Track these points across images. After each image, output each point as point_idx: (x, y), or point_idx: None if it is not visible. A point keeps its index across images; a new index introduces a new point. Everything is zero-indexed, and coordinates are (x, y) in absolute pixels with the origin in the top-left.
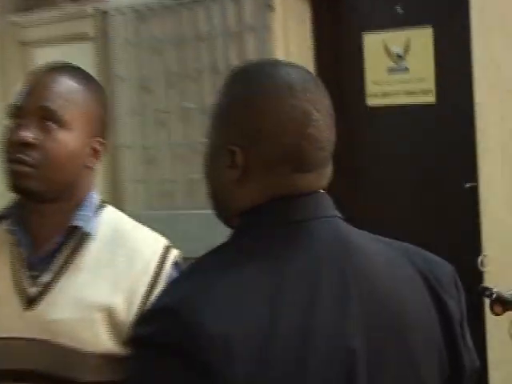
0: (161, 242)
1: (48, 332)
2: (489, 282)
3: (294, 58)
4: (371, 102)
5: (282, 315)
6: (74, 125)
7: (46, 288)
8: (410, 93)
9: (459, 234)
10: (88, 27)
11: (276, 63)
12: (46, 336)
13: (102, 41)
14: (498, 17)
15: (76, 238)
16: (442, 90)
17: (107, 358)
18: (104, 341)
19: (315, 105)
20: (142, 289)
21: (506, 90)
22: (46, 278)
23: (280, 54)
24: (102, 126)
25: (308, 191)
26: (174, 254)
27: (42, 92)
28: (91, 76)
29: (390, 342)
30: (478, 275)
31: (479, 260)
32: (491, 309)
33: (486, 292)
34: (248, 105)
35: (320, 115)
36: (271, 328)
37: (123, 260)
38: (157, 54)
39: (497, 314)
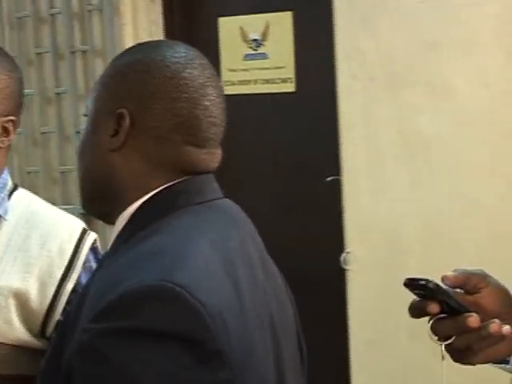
0: (78, 224)
1: None
2: (352, 281)
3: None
4: (227, 90)
5: (242, 289)
6: None
7: None
8: (268, 81)
9: (321, 230)
10: None
11: (173, 41)
12: None
13: None
14: (362, 2)
15: None
16: (302, 79)
17: (19, 349)
18: (16, 328)
19: (212, 82)
20: (58, 273)
21: (369, 78)
22: None
23: (128, 39)
24: (14, 103)
25: (204, 170)
26: (92, 237)
27: None
28: (2, 50)
29: (279, 301)
30: (341, 273)
31: (342, 257)
32: (423, 308)
33: (419, 284)
34: (144, 68)
35: (216, 93)
36: (240, 301)
37: (36, 243)
38: None
39: (431, 314)
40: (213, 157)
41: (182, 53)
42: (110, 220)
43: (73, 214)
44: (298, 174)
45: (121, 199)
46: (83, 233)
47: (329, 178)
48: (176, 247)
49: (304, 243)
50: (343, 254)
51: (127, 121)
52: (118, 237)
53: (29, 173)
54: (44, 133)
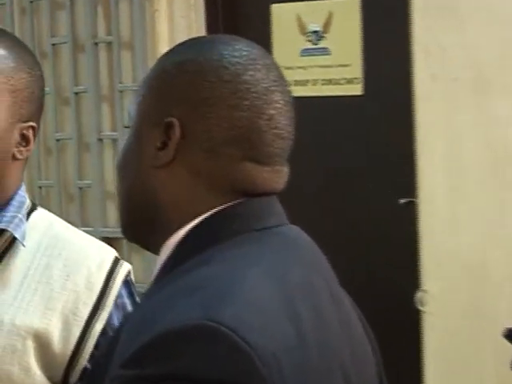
0: (108, 252)
1: None
2: (429, 325)
3: (180, 34)
4: None
5: (304, 330)
6: None
7: None
8: (330, 82)
9: (391, 263)
10: None
11: (232, 36)
12: None
13: None
14: None
15: (0, 244)
16: (371, 79)
17: None
18: (34, 376)
19: (278, 87)
20: (85, 311)
21: (452, 80)
22: None
23: (162, 29)
24: (35, 107)
25: (266, 191)
26: (126, 268)
27: None
28: (21, 42)
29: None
30: (415, 316)
31: (417, 296)
32: None
33: None
34: (197, 69)
35: (283, 99)
36: (300, 343)
37: (60, 274)
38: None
39: None
40: (277, 176)
41: (242, 51)
42: (154, 249)
43: None
44: (365, 194)
45: (166, 224)
46: (115, 263)
47: (402, 200)
48: (222, 279)
49: (371, 277)
50: (418, 293)
51: (178, 132)
52: (162, 269)
53: (40, 187)
54: (59, 140)
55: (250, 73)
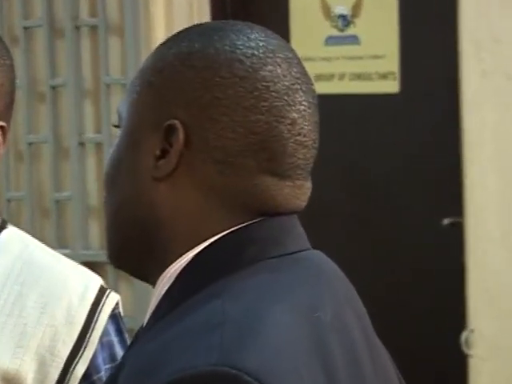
0: (93, 280)
1: None
2: (477, 371)
3: (180, 16)
4: None
5: (337, 378)
6: None
7: None
8: (360, 76)
9: (433, 296)
10: None
11: (244, 23)
12: None
13: None
14: None
15: None
16: (409, 74)
17: None
18: None
19: (301, 85)
20: (64, 351)
21: (506, 76)
22: None
23: (157, 10)
24: (3, 103)
25: (286, 210)
26: (113, 299)
27: None
28: None
29: None
30: (461, 359)
31: (463, 337)
32: None
33: None
34: (205, 63)
35: (307, 101)
36: None
37: (34, 306)
38: None
39: None
40: (300, 192)
41: (259, 41)
42: (148, 278)
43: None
44: (401, 214)
45: (166, 249)
46: (101, 293)
47: (446, 220)
48: (240, 316)
49: (408, 314)
50: (465, 333)
51: (181, 137)
52: (161, 303)
53: (9, 200)
54: (32, 143)
55: (269, 68)
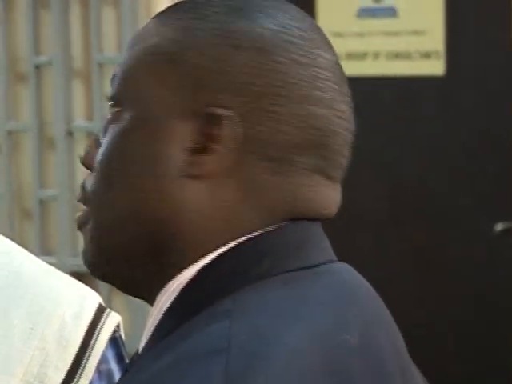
0: (90, 298)
1: None
2: None
3: None
4: None
5: None
6: None
7: None
8: (398, 55)
9: (484, 313)
10: None
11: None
12: None
13: None
14: None
15: None
16: (457, 53)
17: None
18: None
19: (343, 79)
20: (56, 378)
21: None
22: None
23: None
24: None
25: (317, 215)
26: (113, 321)
27: None
28: None
29: None
30: None
31: None
32: None
33: None
34: (258, 44)
35: (348, 91)
36: None
37: (21, 326)
38: None
39: None
40: (337, 196)
41: (300, 21)
42: (142, 291)
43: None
44: (448, 218)
45: (176, 258)
46: (99, 312)
47: (499, 225)
48: (251, 339)
49: (455, 333)
50: None
51: (236, 129)
52: (163, 321)
53: None
54: (12, 132)
55: (318, 52)
